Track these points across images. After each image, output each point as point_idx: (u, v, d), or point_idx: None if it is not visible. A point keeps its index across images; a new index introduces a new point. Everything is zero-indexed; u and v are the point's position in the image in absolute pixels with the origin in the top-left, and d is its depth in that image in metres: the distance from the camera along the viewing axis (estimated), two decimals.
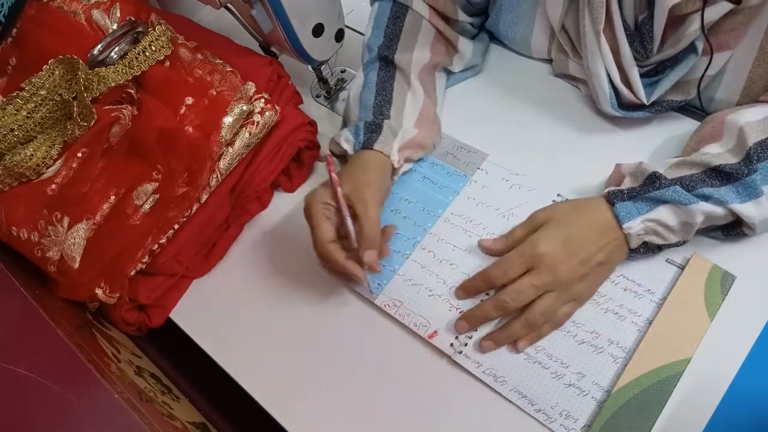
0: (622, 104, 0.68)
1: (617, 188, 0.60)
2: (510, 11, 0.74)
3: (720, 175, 0.56)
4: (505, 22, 0.75)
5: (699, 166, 0.57)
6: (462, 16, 0.75)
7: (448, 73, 0.78)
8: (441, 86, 0.77)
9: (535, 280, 0.57)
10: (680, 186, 0.56)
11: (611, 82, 0.66)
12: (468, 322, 0.60)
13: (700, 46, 0.61)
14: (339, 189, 0.59)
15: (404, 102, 0.70)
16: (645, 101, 0.65)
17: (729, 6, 0.56)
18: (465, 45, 0.76)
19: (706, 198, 0.55)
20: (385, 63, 0.72)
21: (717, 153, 0.57)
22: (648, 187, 0.57)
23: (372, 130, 0.67)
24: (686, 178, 0.57)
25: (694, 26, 0.59)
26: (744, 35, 0.59)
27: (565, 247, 0.57)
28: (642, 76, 0.65)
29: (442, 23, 0.74)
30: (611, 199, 0.59)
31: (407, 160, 0.70)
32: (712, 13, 0.57)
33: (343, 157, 0.71)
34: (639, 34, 0.63)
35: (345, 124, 0.74)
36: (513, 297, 0.58)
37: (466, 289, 0.62)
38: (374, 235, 0.60)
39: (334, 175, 0.60)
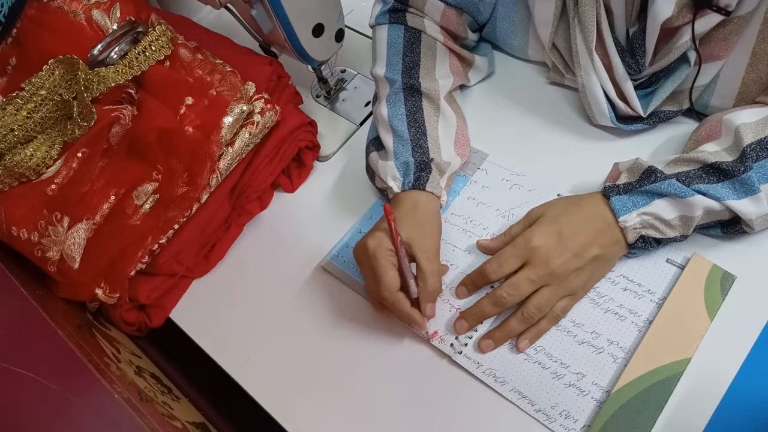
0: (619, 117, 0.68)
1: (613, 183, 0.60)
2: (505, 20, 0.74)
3: (716, 172, 0.56)
4: (502, 31, 0.76)
5: (695, 162, 0.57)
6: (470, 35, 0.75)
7: (462, 87, 0.79)
8: (461, 103, 0.76)
9: (530, 273, 0.57)
10: (678, 179, 0.56)
11: (607, 96, 0.66)
12: (467, 320, 0.60)
13: (692, 56, 0.61)
14: (400, 237, 0.58)
15: (437, 131, 0.68)
16: (642, 114, 0.66)
17: (719, 17, 0.57)
18: (480, 59, 0.77)
19: (701, 194, 0.55)
20: (411, 92, 0.69)
21: (714, 151, 0.57)
22: (644, 181, 0.58)
23: (421, 169, 0.64)
24: (682, 174, 0.57)
25: (684, 38, 0.59)
26: (735, 44, 0.60)
27: (558, 241, 0.58)
28: (635, 88, 0.65)
29: (456, 44, 0.74)
30: (607, 193, 0.59)
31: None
32: (703, 25, 0.58)
33: (382, 190, 0.69)
34: (630, 49, 0.64)
35: (373, 148, 0.70)
36: (509, 292, 0.58)
37: (464, 285, 0.63)
38: (437, 289, 0.59)
39: (395, 225, 0.58)
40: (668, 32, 0.61)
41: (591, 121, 0.71)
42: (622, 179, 0.60)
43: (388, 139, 0.68)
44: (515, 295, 0.58)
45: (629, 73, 0.64)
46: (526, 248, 0.58)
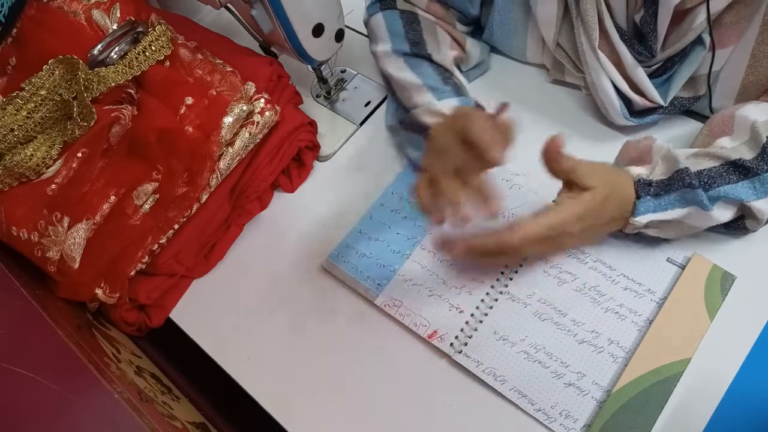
0: (634, 112, 0.67)
1: (648, 179, 0.57)
2: (503, 25, 0.74)
3: (738, 169, 0.55)
4: (500, 36, 0.76)
5: (718, 158, 0.56)
6: (459, 26, 0.75)
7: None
8: None
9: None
10: (700, 182, 0.55)
11: (620, 93, 0.65)
12: (456, 245, 0.56)
13: (706, 38, 0.60)
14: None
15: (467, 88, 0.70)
16: (662, 102, 0.64)
17: None
18: (472, 45, 0.77)
19: (722, 197, 0.54)
20: (426, 59, 0.70)
21: (733, 147, 0.56)
22: (675, 183, 0.55)
23: (464, 94, 0.66)
24: (705, 172, 0.55)
25: (699, 19, 0.58)
26: (746, 29, 0.59)
27: (587, 227, 0.55)
28: (650, 76, 0.64)
29: (450, 27, 0.74)
30: (639, 190, 0.56)
31: None
32: (717, 3, 0.57)
33: (422, 128, 0.65)
34: (639, 35, 0.63)
35: (399, 111, 0.69)
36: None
37: (470, 250, 0.56)
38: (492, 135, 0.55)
39: (506, 107, 0.55)
40: (679, 15, 0.59)
41: (592, 122, 0.71)
42: (657, 174, 0.57)
43: (424, 97, 0.66)
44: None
45: (640, 61, 0.63)
46: (562, 232, 0.55)
